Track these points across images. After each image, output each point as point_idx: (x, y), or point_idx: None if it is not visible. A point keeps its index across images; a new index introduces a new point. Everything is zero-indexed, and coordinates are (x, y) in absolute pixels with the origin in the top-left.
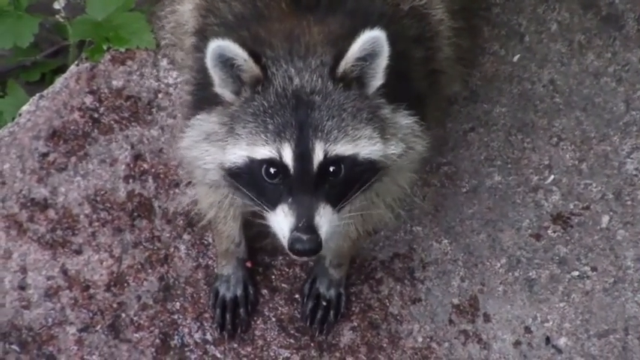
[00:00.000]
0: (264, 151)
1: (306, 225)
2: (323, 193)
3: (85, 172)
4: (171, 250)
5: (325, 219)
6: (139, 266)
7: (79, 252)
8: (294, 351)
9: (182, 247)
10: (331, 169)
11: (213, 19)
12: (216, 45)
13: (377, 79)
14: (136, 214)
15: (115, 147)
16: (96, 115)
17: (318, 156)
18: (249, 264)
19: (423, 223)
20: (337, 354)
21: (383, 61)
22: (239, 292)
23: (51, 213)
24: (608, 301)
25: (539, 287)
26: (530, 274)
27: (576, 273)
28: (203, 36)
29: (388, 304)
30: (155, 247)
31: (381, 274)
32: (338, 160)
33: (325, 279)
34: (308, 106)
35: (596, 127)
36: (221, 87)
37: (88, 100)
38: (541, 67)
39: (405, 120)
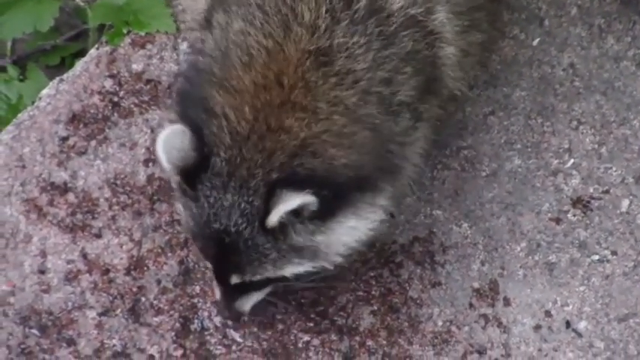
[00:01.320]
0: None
1: (226, 309)
2: (246, 290)
3: (105, 156)
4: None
5: (247, 301)
6: (159, 250)
7: (98, 236)
8: (314, 335)
9: None
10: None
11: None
12: (157, 143)
13: (311, 208)
14: (156, 197)
15: (134, 130)
16: (116, 99)
17: (234, 281)
18: None
19: (442, 207)
20: (357, 338)
21: (312, 203)
22: None
23: (71, 197)
24: (628, 285)
25: (559, 271)
26: (550, 257)
27: (596, 257)
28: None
29: (408, 288)
30: (175, 231)
31: (400, 257)
32: (258, 283)
33: None
34: (230, 248)
35: (616, 111)
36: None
37: (108, 83)
38: (561, 50)
39: (346, 235)
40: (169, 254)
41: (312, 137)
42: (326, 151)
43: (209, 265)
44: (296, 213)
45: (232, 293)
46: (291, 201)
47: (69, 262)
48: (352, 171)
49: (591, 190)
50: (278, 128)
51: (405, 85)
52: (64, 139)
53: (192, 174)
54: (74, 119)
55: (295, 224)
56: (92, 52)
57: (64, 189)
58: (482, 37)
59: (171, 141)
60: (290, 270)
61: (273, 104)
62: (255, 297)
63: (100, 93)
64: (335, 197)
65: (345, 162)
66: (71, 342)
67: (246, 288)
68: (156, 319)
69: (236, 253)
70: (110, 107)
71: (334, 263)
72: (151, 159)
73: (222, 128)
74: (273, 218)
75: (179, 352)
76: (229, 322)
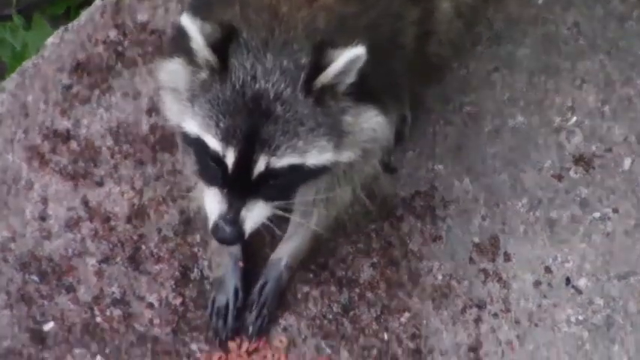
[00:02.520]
0: (212, 142)
1: (231, 218)
2: (258, 191)
3: (108, 105)
4: (193, 183)
5: (254, 213)
6: (160, 199)
7: (100, 184)
8: (314, 286)
9: (195, 182)
10: (272, 174)
11: None
12: (183, 18)
13: (349, 79)
14: (158, 147)
15: (138, 80)
16: (120, 49)
17: (259, 167)
18: (240, 263)
19: (444, 162)
20: (357, 290)
21: (360, 64)
22: (230, 297)
23: (73, 145)
24: (628, 244)
25: (560, 228)
26: (552, 214)
27: (597, 214)
28: None
29: (408, 242)
30: (176, 180)
31: (401, 211)
32: (280, 171)
33: (275, 284)
34: (265, 115)
35: (619, 71)
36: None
37: (113, 33)
38: (566, 9)
39: (368, 124)
40: (170, 203)
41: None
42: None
43: (230, 153)
44: (335, 81)
45: (246, 195)
46: (345, 55)
47: (70, 209)
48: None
49: (594, 148)
50: None
51: (408, 29)
52: (68, 87)
53: (221, 47)
54: (78, 68)
55: (331, 97)
56: (97, 2)
57: (66, 137)
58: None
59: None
60: (313, 157)
61: None
62: (261, 211)
63: (104, 43)
64: (362, 86)
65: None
66: (71, 289)
67: (259, 187)
68: (156, 267)
69: (271, 121)
70: (114, 57)
71: (349, 158)
72: (154, 108)
73: None
74: (327, 76)
75: (178, 301)
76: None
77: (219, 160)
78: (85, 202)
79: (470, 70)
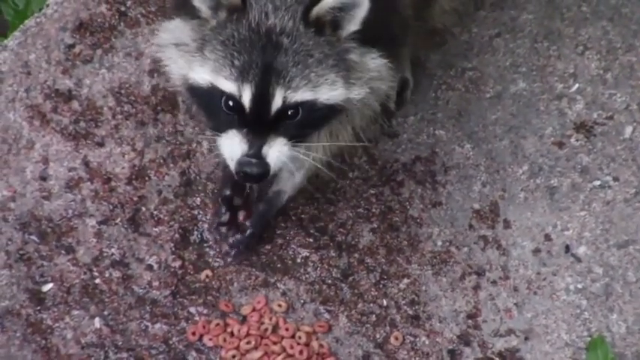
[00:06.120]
0: (227, 84)
1: (255, 151)
2: (277, 129)
3: (111, 65)
4: (194, 145)
5: (275, 149)
6: (161, 160)
7: (101, 144)
8: (313, 250)
9: (205, 143)
10: (289, 112)
11: None
12: None
13: (352, 26)
14: (159, 108)
15: (141, 41)
16: (123, 9)
17: (276, 102)
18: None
19: (445, 127)
20: (356, 255)
21: (361, 12)
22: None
23: (75, 104)
24: (628, 212)
25: (560, 195)
26: (552, 181)
27: (598, 182)
28: None
29: (408, 207)
30: (178, 142)
31: (402, 176)
32: (296, 106)
33: (272, 209)
34: (276, 48)
35: (622, 38)
36: (199, 1)
37: None
38: None
39: (373, 63)
40: (171, 165)
41: None
42: None
43: (246, 91)
44: (332, 23)
45: (266, 132)
46: None
47: (71, 169)
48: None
49: (595, 116)
50: None
51: None
52: (70, 46)
53: None
54: (81, 27)
55: (333, 33)
56: None
57: (68, 96)
58: None
59: None
60: (325, 92)
61: None
62: (282, 148)
63: (107, 2)
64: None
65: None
66: (70, 249)
67: (278, 124)
68: (155, 229)
69: (282, 53)
70: (117, 17)
71: (359, 95)
72: (156, 69)
73: None
74: (323, 7)
75: (177, 263)
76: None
77: (235, 102)
78: (86, 163)
79: (472, 35)
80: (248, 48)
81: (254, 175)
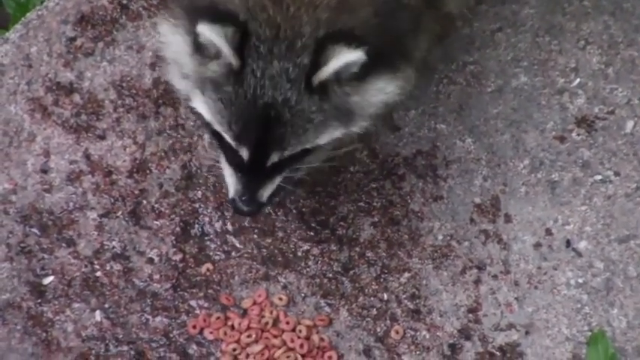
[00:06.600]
0: (226, 137)
1: (248, 198)
2: (272, 173)
3: (112, 58)
4: (195, 138)
5: (268, 189)
6: (162, 154)
7: (102, 137)
8: (314, 244)
9: (206, 136)
10: (285, 161)
11: None
12: (200, 28)
13: (352, 70)
14: (161, 101)
15: (142, 34)
16: (124, 1)
17: (272, 159)
18: None
19: (447, 121)
20: (357, 249)
21: (361, 60)
22: None
23: (76, 97)
24: (630, 207)
25: (561, 190)
26: (553, 176)
27: (599, 177)
28: None
29: (409, 201)
30: (179, 135)
31: (403, 170)
32: (293, 157)
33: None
34: (275, 120)
35: (624, 32)
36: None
37: None
38: None
39: (376, 97)
40: (172, 158)
41: None
42: (360, 9)
43: (243, 151)
44: (336, 74)
45: (261, 179)
46: (343, 56)
47: (72, 162)
48: (382, 32)
49: (596, 110)
50: None
51: None
52: (72, 39)
53: (239, 45)
54: (82, 20)
55: (335, 85)
56: None
57: (69, 89)
58: None
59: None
60: (327, 136)
61: None
62: (275, 184)
63: None
64: (369, 59)
65: (377, 22)
66: (71, 242)
67: (274, 170)
68: (156, 222)
69: (281, 125)
70: (119, 9)
71: (362, 128)
72: (157, 63)
73: None
74: (325, 73)
75: (178, 257)
76: (245, 213)
77: (233, 151)
78: (87, 156)
79: (474, 29)
80: (245, 118)
81: (245, 215)
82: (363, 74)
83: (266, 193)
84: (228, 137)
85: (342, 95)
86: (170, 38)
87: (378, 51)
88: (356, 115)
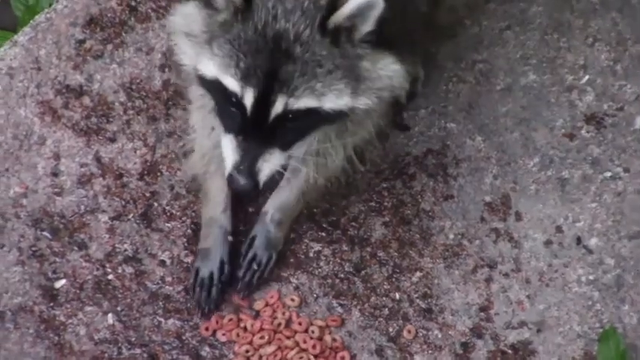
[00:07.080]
0: (231, 83)
1: (247, 168)
2: (274, 136)
3: (121, 60)
4: (191, 146)
5: (269, 163)
6: (173, 155)
7: (113, 140)
8: (326, 245)
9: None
10: (289, 116)
11: None
12: None
13: (366, 27)
14: (171, 103)
15: (151, 35)
16: (133, 3)
17: (277, 109)
18: (230, 238)
19: (456, 120)
20: (368, 249)
21: (377, 12)
22: (215, 269)
23: (86, 100)
24: (639, 203)
25: (571, 187)
26: (563, 173)
27: (609, 174)
28: None
29: (420, 200)
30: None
31: (414, 169)
32: (297, 112)
33: (264, 238)
34: (285, 55)
35: (631, 29)
36: None
37: None
38: None
39: (386, 71)
40: (183, 160)
41: None
42: None
43: (249, 94)
44: (352, 23)
45: (262, 143)
46: (350, 4)
47: (82, 165)
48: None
49: (605, 107)
50: None
51: None
52: (81, 42)
53: None
54: (91, 22)
55: (348, 41)
56: None
57: (79, 92)
58: None
59: None
60: (331, 101)
61: None
62: (276, 161)
63: None
64: (380, 34)
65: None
66: (82, 245)
67: (275, 133)
68: (168, 224)
69: (290, 62)
70: (127, 11)
71: (366, 105)
72: (167, 64)
73: None
74: (341, 15)
75: (190, 259)
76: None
77: (237, 102)
78: (98, 159)
79: (482, 27)
80: (253, 52)
81: (241, 190)
82: (375, 43)
83: (264, 168)
84: (233, 82)
85: (354, 56)
86: (184, 10)
87: (389, 34)
88: (363, 83)
